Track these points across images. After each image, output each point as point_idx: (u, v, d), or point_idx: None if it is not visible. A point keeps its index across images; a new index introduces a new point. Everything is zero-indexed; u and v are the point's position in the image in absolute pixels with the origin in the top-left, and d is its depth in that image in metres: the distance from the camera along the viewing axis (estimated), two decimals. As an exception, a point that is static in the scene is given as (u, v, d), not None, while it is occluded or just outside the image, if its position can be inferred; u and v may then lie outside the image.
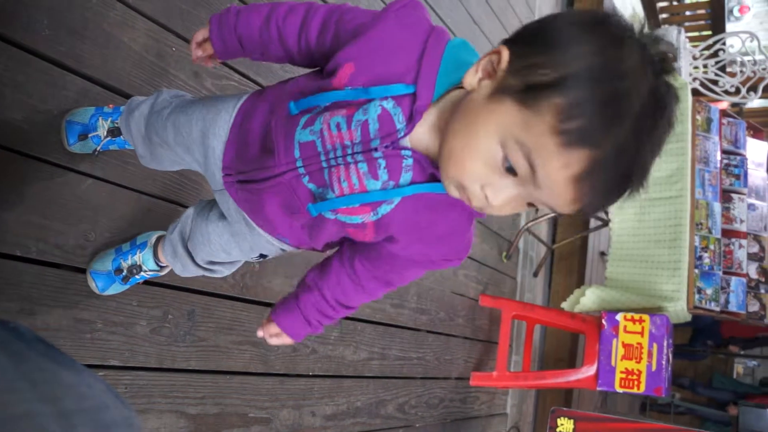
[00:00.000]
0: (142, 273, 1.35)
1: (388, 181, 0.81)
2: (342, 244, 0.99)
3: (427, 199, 0.82)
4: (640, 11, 5.18)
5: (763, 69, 3.84)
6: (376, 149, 0.79)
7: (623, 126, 0.64)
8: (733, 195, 3.23)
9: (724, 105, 3.99)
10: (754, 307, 3.15)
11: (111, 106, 1.33)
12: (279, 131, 0.87)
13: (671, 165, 2.89)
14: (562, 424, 2.56)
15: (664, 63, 0.68)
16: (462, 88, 0.77)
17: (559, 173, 0.66)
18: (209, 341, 1.62)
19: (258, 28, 0.95)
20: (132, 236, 1.41)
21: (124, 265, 1.34)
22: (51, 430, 0.55)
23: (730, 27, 5.16)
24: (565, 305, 2.88)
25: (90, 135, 1.29)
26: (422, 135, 0.80)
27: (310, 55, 0.94)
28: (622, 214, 2.77)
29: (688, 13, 5.35)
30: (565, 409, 2.64)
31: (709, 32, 5.00)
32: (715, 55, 4.16)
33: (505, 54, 0.71)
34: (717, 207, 3.10)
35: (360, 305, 1.02)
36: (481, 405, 3.22)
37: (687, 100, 2.95)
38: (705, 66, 4.14)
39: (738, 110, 4.65)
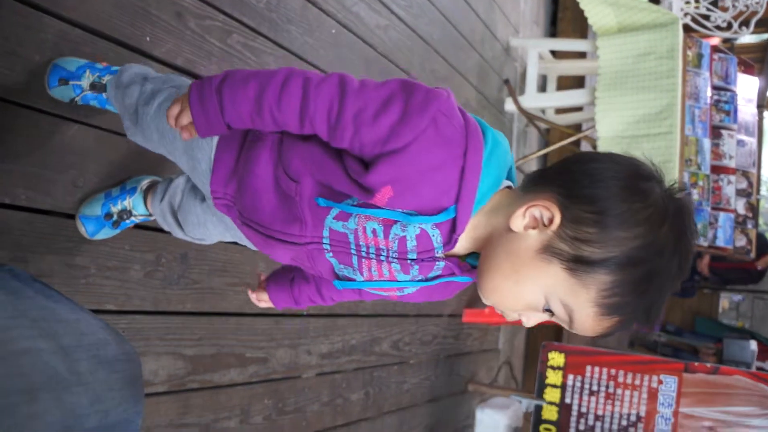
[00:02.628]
0: (132, 217, 1.35)
1: (417, 276, 0.85)
2: None
3: (449, 282, 0.87)
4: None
5: (756, 2, 3.78)
6: (411, 259, 0.82)
7: (653, 293, 0.75)
8: (723, 131, 3.23)
9: (715, 41, 3.94)
10: (741, 242, 3.19)
11: (104, 63, 1.28)
12: (304, 206, 0.84)
13: (661, 101, 2.87)
14: (553, 358, 2.63)
15: (691, 232, 0.77)
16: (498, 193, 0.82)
17: (593, 327, 0.77)
18: (203, 284, 1.63)
19: (248, 115, 0.83)
20: (122, 181, 1.40)
21: (114, 209, 1.33)
22: (53, 365, 0.56)
23: None
24: None
25: (71, 82, 1.25)
26: (457, 245, 0.82)
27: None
28: (611, 149, 2.77)
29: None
30: (556, 343, 2.70)
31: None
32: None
33: (557, 217, 0.75)
34: (706, 143, 3.11)
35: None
36: (474, 341, 3.29)
37: (678, 36, 2.91)
38: (697, 0, 4.08)
39: (729, 46, 4.61)
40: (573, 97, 3.48)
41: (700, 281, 3.67)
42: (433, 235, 0.79)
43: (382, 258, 0.82)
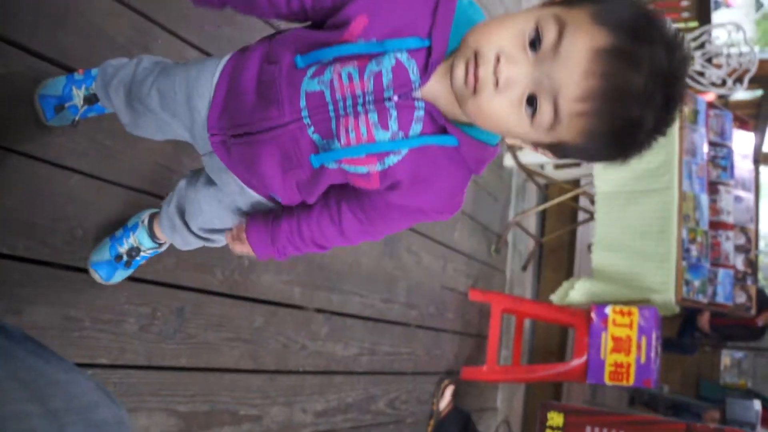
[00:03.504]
0: (142, 253, 1.35)
1: (397, 132, 0.81)
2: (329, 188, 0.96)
3: (433, 152, 0.82)
4: None
5: (749, 61, 3.86)
6: (389, 99, 0.79)
7: (647, 45, 0.69)
8: (720, 187, 3.24)
9: (710, 97, 4.01)
10: (741, 298, 3.17)
11: (81, 71, 1.27)
12: (283, 81, 0.85)
13: (658, 157, 2.90)
14: (552, 418, 2.57)
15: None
16: None
17: (584, 42, 0.68)
18: (199, 338, 1.60)
19: None
20: (123, 222, 1.40)
21: (122, 250, 1.33)
22: (41, 430, 0.54)
23: (717, 16, 5.17)
24: (554, 298, 2.89)
25: (67, 105, 1.24)
26: (434, 87, 0.80)
27: (303, 11, 0.87)
28: (608, 204, 2.78)
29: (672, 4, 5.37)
30: (555, 402, 2.66)
31: (695, 23, 5.02)
32: (701, 46, 4.18)
33: None
34: (704, 199, 3.12)
35: (333, 247, 1.01)
36: (472, 399, 3.23)
37: (674, 92, 2.96)
38: (692, 58, 4.16)
39: (724, 102, 4.68)
40: (571, 152, 3.49)
41: (700, 338, 3.63)
42: (409, 66, 0.78)
43: (359, 109, 0.81)
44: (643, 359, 2.45)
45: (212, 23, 1.63)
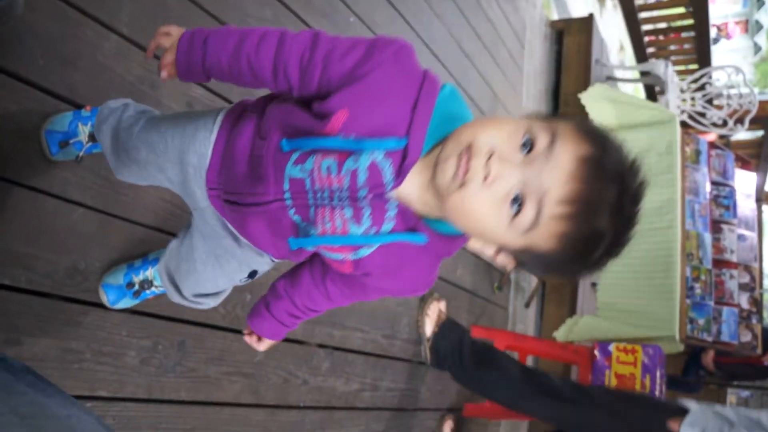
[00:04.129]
0: (153, 288, 1.37)
1: (370, 228, 0.83)
2: (314, 257, 1.01)
3: (403, 246, 0.85)
4: (627, 45, 5.26)
5: (749, 102, 3.90)
6: (363, 198, 0.82)
7: (621, 162, 0.76)
8: (723, 226, 3.25)
9: (712, 137, 4.03)
10: (746, 337, 3.15)
11: (88, 108, 1.30)
12: (270, 161, 0.87)
13: (661, 196, 2.91)
14: (554, 456, 2.54)
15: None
16: None
17: (572, 149, 0.72)
18: (199, 372, 1.60)
19: (227, 61, 0.89)
20: (144, 253, 1.43)
21: (136, 279, 1.36)
22: (38, 463, 0.54)
23: (717, 49, 5.23)
24: (557, 335, 2.87)
25: (71, 141, 1.27)
26: (408, 185, 0.81)
27: (290, 90, 0.89)
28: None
29: (673, 47, 5.43)
30: (558, 440, 2.61)
31: (696, 66, 5.08)
32: (702, 88, 4.22)
33: None
34: (707, 237, 3.12)
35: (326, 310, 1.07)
36: (474, 437, 3.19)
37: (676, 133, 2.98)
38: (692, 98, 4.20)
39: (725, 142, 4.71)
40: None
41: (705, 376, 3.59)
42: (384, 168, 0.80)
43: (335, 202, 0.83)
44: (647, 398, 2.42)
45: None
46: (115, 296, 1.36)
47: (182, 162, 1.00)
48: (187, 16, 1.57)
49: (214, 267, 1.10)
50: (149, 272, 1.37)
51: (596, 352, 2.54)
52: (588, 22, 4.66)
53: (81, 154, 1.29)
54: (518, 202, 0.73)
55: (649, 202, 2.38)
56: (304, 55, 0.85)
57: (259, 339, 1.12)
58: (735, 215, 3.28)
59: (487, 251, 0.82)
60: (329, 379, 2.08)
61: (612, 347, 2.53)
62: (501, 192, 0.73)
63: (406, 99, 0.80)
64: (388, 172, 0.80)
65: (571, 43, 4.69)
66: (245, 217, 0.94)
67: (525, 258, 0.80)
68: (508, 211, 0.73)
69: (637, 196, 0.76)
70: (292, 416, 1.91)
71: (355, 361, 2.23)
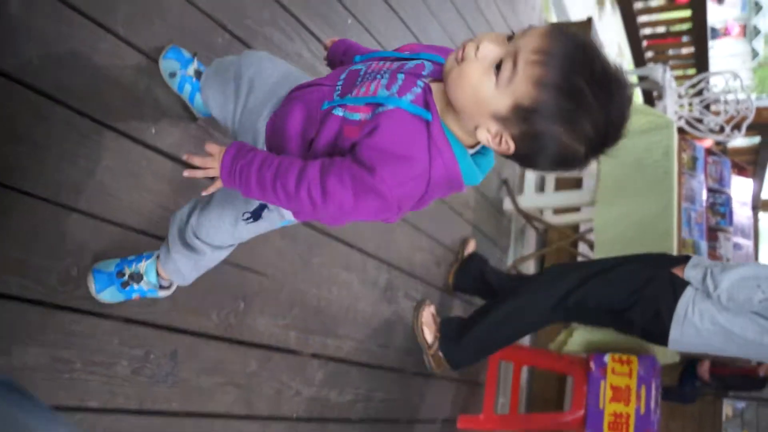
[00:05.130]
0: (141, 284, 1.36)
1: (394, 93, 0.98)
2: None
3: (410, 119, 0.97)
4: (626, 48, 5.25)
5: (746, 108, 3.89)
6: (402, 72, 1.02)
7: (598, 53, 0.90)
8: (719, 233, 3.23)
9: (708, 143, 4.03)
10: (741, 347, 3.13)
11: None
12: (341, 67, 1.13)
13: (658, 204, 2.89)
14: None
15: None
16: None
17: (546, 27, 0.90)
18: (191, 382, 1.56)
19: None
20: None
21: (127, 270, 1.35)
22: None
23: (715, 44, 5.24)
24: (552, 346, 2.85)
25: (179, 73, 1.47)
26: (436, 86, 1.00)
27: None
28: (608, 251, 2.75)
29: (671, 52, 5.43)
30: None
31: (694, 71, 5.07)
32: (699, 93, 4.22)
33: None
34: (703, 246, 3.10)
35: (279, 202, 1.04)
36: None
37: (673, 139, 2.96)
38: (690, 104, 4.19)
39: (722, 148, 4.70)
40: (571, 197, 3.49)
41: (701, 387, 3.57)
42: (427, 66, 1.03)
43: (377, 76, 1.03)
44: (642, 410, 2.41)
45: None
46: (102, 284, 1.33)
47: (272, 91, 1.19)
48: (184, 18, 1.54)
49: (226, 192, 1.17)
50: (142, 265, 1.36)
51: (591, 363, 2.51)
52: (586, 25, 4.64)
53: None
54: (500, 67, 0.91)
55: (646, 210, 2.36)
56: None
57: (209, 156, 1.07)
58: (731, 223, 3.27)
59: (492, 140, 0.95)
60: (323, 389, 2.05)
61: (607, 357, 2.51)
62: (487, 60, 0.91)
63: None
64: (428, 69, 1.02)
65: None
66: (292, 107, 1.09)
67: (520, 127, 0.91)
68: (494, 73, 0.90)
69: (605, 64, 0.88)
70: (285, 428, 1.88)
71: (349, 372, 2.20)
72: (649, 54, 5.04)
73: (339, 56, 1.28)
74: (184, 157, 1.09)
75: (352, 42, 1.30)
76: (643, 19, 4.86)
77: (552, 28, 0.90)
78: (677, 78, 4.65)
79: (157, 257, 1.37)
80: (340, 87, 1.06)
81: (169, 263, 1.33)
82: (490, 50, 0.91)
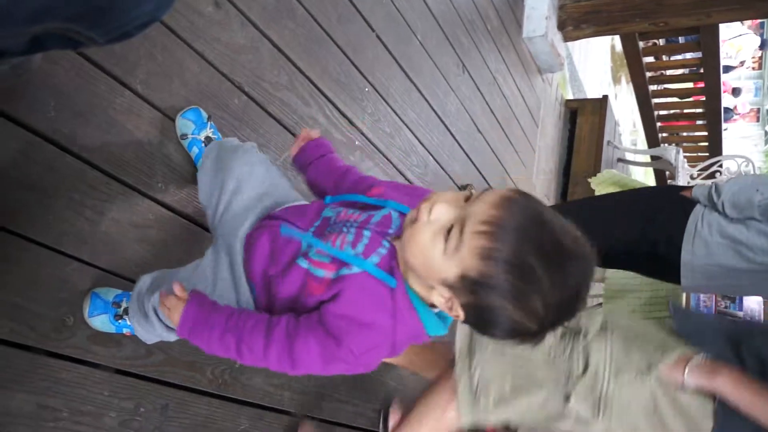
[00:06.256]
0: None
1: (360, 254, 0.97)
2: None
3: (376, 284, 0.95)
4: (640, 125, 5.31)
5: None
6: (368, 228, 1.00)
7: (548, 223, 0.87)
8: (729, 318, 3.19)
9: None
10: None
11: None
12: (313, 207, 1.13)
13: (666, 285, 2.86)
14: None
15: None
16: None
17: (498, 193, 0.88)
18: (179, 438, 1.54)
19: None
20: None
21: (124, 303, 1.34)
22: None
23: (728, 126, 5.29)
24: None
25: (190, 136, 1.52)
26: (400, 249, 0.97)
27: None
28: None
29: (685, 134, 5.49)
30: None
31: (707, 154, 5.11)
32: (711, 176, 4.23)
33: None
34: (711, 330, 3.05)
35: (246, 362, 1.02)
36: None
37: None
38: (693, 178, 4.20)
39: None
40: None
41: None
42: (394, 219, 1.01)
43: (344, 229, 1.02)
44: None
45: (230, 128, 1.67)
46: (96, 308, 1.33)
47: (257, 201, 1.19)
48: (202, 78, 1.59)
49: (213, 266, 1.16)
50: None
51: None
52: (602, 103, 4.72)
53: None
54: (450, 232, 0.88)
55: (653, 291, 2.31)
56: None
57: (174, 305, 1.04)
58: (741, 308, 3.23)
59: (444, 304, 0.92)
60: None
61: None
62: (439, 224, 0.88)
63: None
64: (395, 224, 1.00)
65: (584, 124, 4.74)
66: (260, 233, 1.10)
67: (468, 297, 0.88)
68: (443, 242, 0.87)
69: (560, 239, 0.84)
70: (272, 489, 1.84)
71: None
72: (663, 134, 5.09)
73: (313, 159, 1.25)
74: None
75: (328, 148, 1.26)
76: (657, 100, 4.93)
77: (505, 196, 0.86)
78: (690, 160, 4.68)
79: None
80: (313, 230, 1.06)
81: (134, 324, 1.27)
82: (442, 213, 0.89)
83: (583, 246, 0.86)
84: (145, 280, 1.25)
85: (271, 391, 1.82)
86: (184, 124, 1.50)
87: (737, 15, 3.90)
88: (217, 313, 1.02)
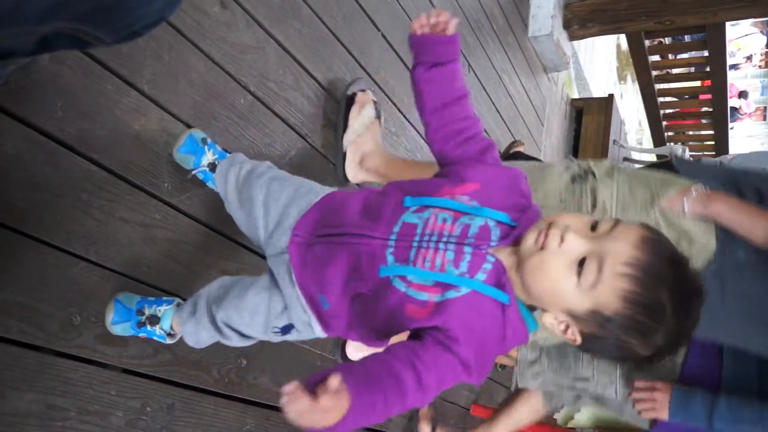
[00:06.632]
0: (155, 328, 1.36)
1: (465, 273, 0.92)
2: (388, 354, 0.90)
3: (487, 304, 0.92)
4: (646, 124, 5.29)
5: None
6: (468, 244, 0.94)
7: (682, 262, 0.90)
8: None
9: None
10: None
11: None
12: (389, 207, 1.02)
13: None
14: None
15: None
16: None
17: (635, 230, 0.88)
18: (186, 438, 1.54)
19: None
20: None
21: (147, 310, 1.36)
22: None
23: (733, 133, 5.26)
24: (558, 419, 2.77)
25: (195, 165, 1.45)
26: (504, 253, 0.94)
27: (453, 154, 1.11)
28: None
29: (690, 132, 5.46)
30: None
31: (713, 153, 5.09)
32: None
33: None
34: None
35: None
36: None
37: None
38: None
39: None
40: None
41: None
42: (493, 229, 0.95)
43: (440, 246, 0.94)
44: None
45: (236, 128, 1.67)
46: (121, 316, 1.34)
47: (285, 211, 1.16)
48: (208, 77, 1.59)
49: (262, 298, 1.16)
50: (161, 310, 1.37)
51: (599, 443, 2.44)
52: (608, 102, 4.71)
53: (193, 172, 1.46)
54: (582, 264, 0.87)
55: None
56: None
57: (328, 409, 0.75)
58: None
59: (557, 326, 0.92)
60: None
61: (616, 439, 2.44)
62: (572, 255, 0.87)
63: (523, 200, 1.01)
64: (495, 235, 0.94)
65: (590, 123, 4.73)
66: (333, 251, 1.03)
67: (592, 328, 0.89)
68: (576, 270, 0.86)
69: (693, 286, 0.88)
70: (278, 490, 1.84)
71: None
72: (669, 133, 5.08)
73: (434, 61, 1.09)
74: (287, 390, 0.76)
75: (455, 52, 1.10)
76: (663, 99, 4.92)
77: (644, 237, 0.87)
78: (696, 159, 4.66)
79: (176, 306, 1.38)
80: (393, 243, 0.98)
81: (189, 327, 1.30)
82: (576, 245, 0.87)
83: (701, 280, 0.90)
84: (210, 290, 1.28)
85: (277, 391, 1.81)
86: (182, 159, 1.46)
87: (743, 13, 3.89)
88: (370, 393, 0.82)
